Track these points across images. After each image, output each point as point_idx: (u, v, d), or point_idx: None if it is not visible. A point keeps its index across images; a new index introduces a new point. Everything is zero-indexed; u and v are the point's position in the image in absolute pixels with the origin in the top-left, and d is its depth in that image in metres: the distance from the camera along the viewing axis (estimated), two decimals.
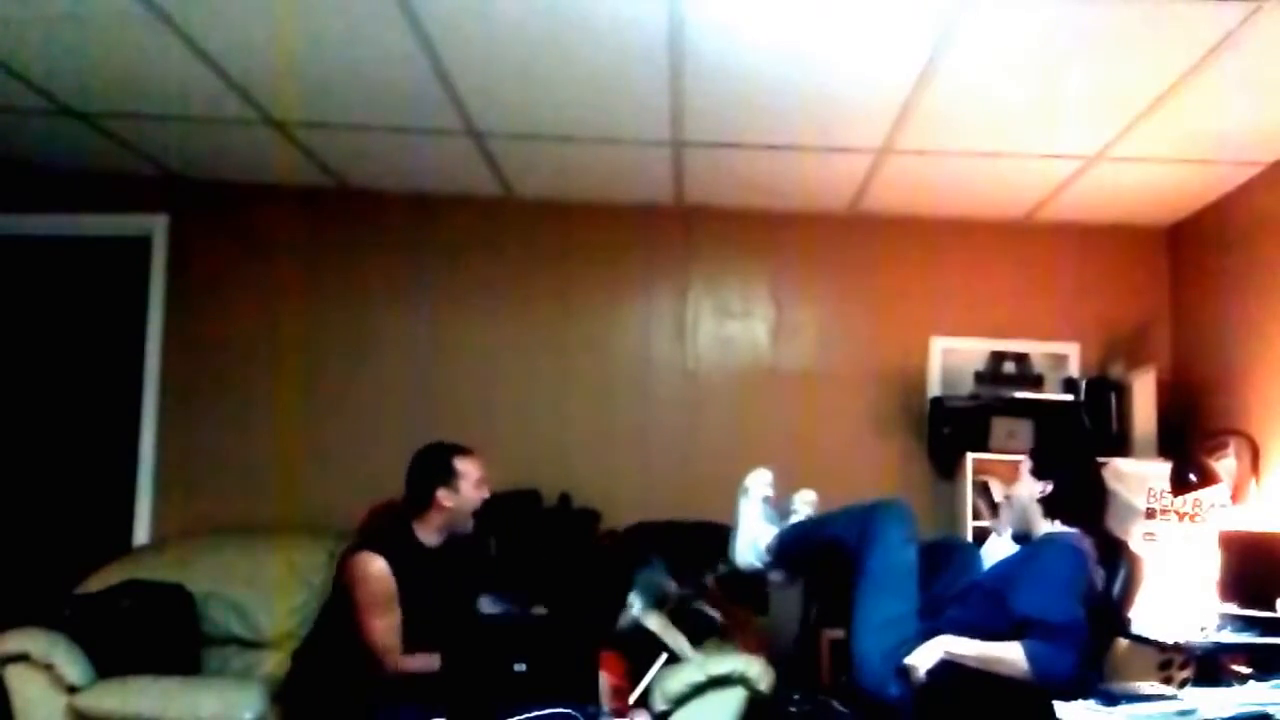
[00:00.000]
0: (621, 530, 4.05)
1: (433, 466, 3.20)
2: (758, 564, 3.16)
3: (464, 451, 3.24)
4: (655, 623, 3.53)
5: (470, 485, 3.19)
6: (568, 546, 4.00)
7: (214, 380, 4.45)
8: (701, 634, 3.63)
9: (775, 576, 3.22)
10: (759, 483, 3.26)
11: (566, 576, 3.73)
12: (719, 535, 3.42)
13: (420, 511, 3.20)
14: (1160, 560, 3.42)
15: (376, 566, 3.04)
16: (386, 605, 3.04)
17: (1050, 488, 2.94)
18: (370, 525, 3.70)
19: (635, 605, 3.54)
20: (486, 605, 3.45)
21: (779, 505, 3.27)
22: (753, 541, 3.17)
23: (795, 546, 3.13)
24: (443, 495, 3.17)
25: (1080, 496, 2.98)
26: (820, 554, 3.07)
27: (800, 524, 3.20)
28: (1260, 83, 3.13)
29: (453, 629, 3.14)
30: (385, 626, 3.03)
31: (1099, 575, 2.84)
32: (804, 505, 3.28)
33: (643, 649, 3.48)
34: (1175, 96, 3.23)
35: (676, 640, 3.52)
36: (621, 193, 4.44)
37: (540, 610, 3.51)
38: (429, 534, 3.21)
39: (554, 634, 3.15)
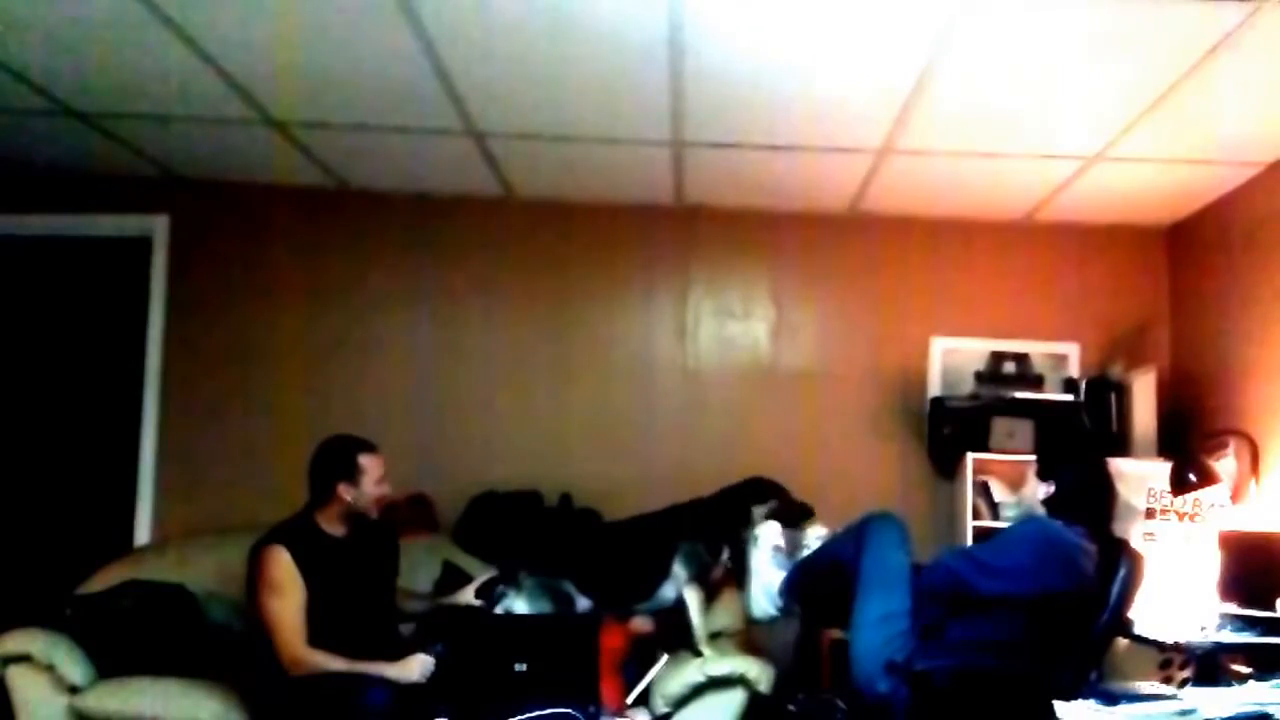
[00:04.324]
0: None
1: (336, 460, 3.23)
2: (773, 610, 3.20)
3: (368, 447, 3.27)
4: (694, 598, 3.55)
5: (371, 481, 3.23)
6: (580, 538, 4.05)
7: (214, 380, 4.45)
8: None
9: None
10: (768, 534, 3.31)
11: (600, 556, 3.76)
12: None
13: (321, 503, 3.24)
14: (1160, 560, 3.42)
15: (278, 555, 3.11)
16: (284, 588, 3.08)
17: (1053, 489, 2.96)
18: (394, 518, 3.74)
19: (681, 576, 3.56)
20: (530, 590, 3.50)
21: (792, 541, 3.34)
22: (765, 588, 3.21)
23: (802, 576, 3.17)
24: (343, 489, 3.20)
25: (1082, 497, 2.99)
26: (825, 576, 3.09)
27: (803, 557, 3.24)
28: (1260, 83, 3.14)
29: (367, 618, 3.21)
30: (282, 607, 3.08)
31: (1089, 563, 2.83)
32: (815, 541, 3.32)
33: (670, 625, 3.55)
34: (1175, 96, 3.24)
35: (701, 623, 3.54)
36: (621, 193, 4.44)
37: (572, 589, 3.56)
38: (331, 524, 3.25)
39: (554, 634, 3.16)
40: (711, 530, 3.65)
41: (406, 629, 3.46)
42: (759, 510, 3.65)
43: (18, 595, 4.00)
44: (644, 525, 3.75)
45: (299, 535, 3.19)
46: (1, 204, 4.46)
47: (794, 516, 3.64)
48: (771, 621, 3.28)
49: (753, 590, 3.25)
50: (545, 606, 3.48)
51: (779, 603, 3.18)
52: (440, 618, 3.41)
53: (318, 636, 3.09)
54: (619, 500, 4.12)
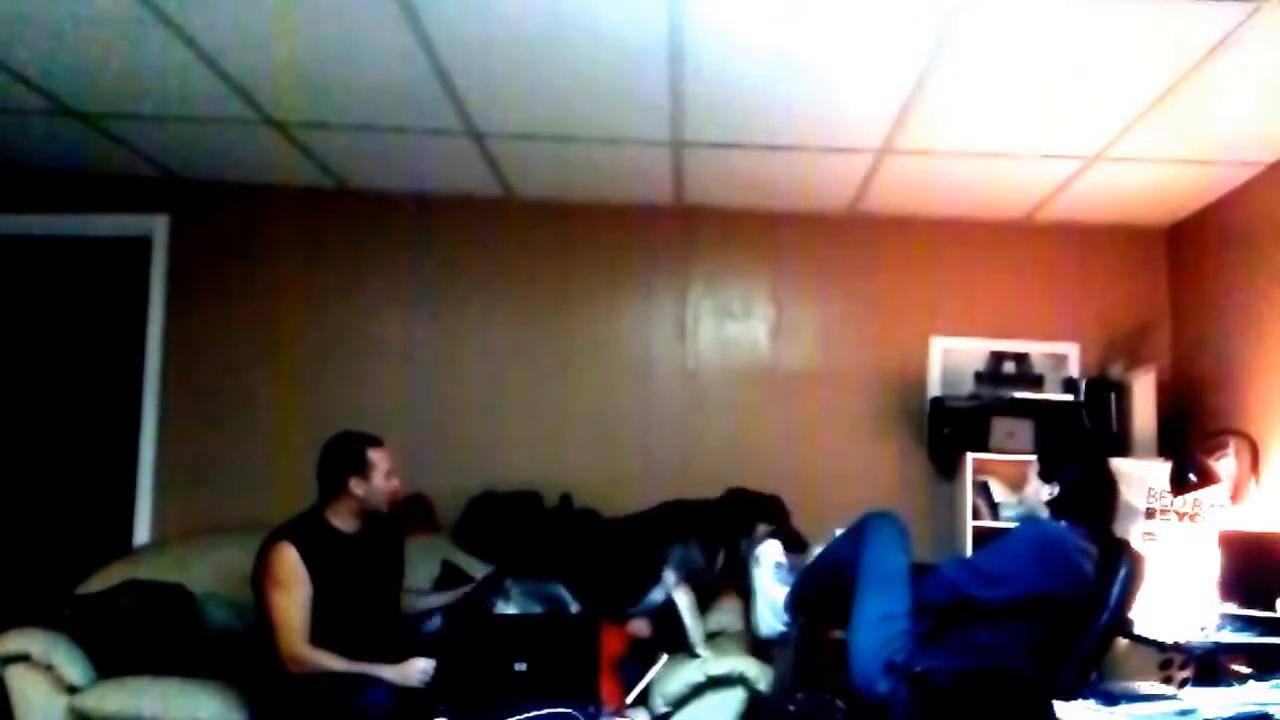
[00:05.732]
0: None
1: (345, 455, 3.25)
2: (781, 626, 3.18)
3: (375, 442, 3.29)
4: (684, 600, 3.55)
5: (380, 475, 3.26)
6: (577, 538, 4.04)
7: (214, 380, 4.45)
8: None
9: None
10: (769, 553, 3.29)
11: (593, 556, 3.75)
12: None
13: (332, 499, 3.25)
14: (1160, 560, 3.42)
15: (285, 551, 3.12)
16: (289, 585, 3.09)
17: (1056, 490, 2.95)
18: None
19: (670, 579, 3.55)
20: (517, 595, 3.49)
21: (800, 561, 3.32)
22: (770, 604, 3.20)
23: (805, 586, 3.16)
24: (354, 484, 3.22)
25: (1085, 497, 2.98)
26: (827, 577, 3.08)
27: (804, 567, 3.23)
28: (1260, 83, 3.13)
29: (372, 616, 3.21)
30: (286, 604, 3.09)
31: (1089, 564, 2.83)
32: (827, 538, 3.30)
33: (663, 628, 3.54)
34: (1175, 96, 3.24)
35: (695, 625, 3.53)
36: (621, 193, 4.44)
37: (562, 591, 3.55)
38: (343, 521, 3.26)
39: (554, 634, 3.16)
40: (709, 534, 3.64)
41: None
42: (762, 528, 3.63)
43: (18, 595, 4.00)
44: (638, 526, 3.74)
45: (309, 532, 3.20)
46: (1, 204, 4.47)
47: (789, 544, 3.62)
48: (781, 638, 3.26)
49: (759, 609, 3.23)
50: (535, 611, 3.48)
51: (785, 618, 3.17)
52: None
53: (322, 634, 3.09)
54: (619, 500, 4.12)
